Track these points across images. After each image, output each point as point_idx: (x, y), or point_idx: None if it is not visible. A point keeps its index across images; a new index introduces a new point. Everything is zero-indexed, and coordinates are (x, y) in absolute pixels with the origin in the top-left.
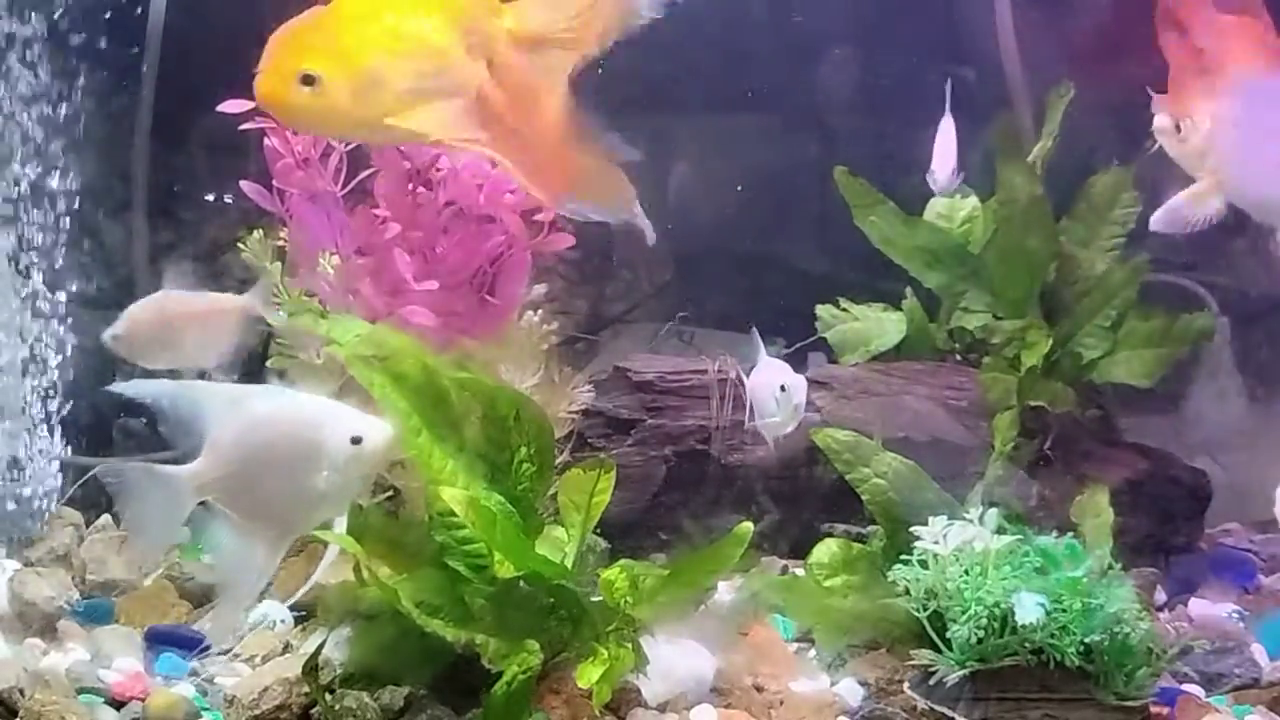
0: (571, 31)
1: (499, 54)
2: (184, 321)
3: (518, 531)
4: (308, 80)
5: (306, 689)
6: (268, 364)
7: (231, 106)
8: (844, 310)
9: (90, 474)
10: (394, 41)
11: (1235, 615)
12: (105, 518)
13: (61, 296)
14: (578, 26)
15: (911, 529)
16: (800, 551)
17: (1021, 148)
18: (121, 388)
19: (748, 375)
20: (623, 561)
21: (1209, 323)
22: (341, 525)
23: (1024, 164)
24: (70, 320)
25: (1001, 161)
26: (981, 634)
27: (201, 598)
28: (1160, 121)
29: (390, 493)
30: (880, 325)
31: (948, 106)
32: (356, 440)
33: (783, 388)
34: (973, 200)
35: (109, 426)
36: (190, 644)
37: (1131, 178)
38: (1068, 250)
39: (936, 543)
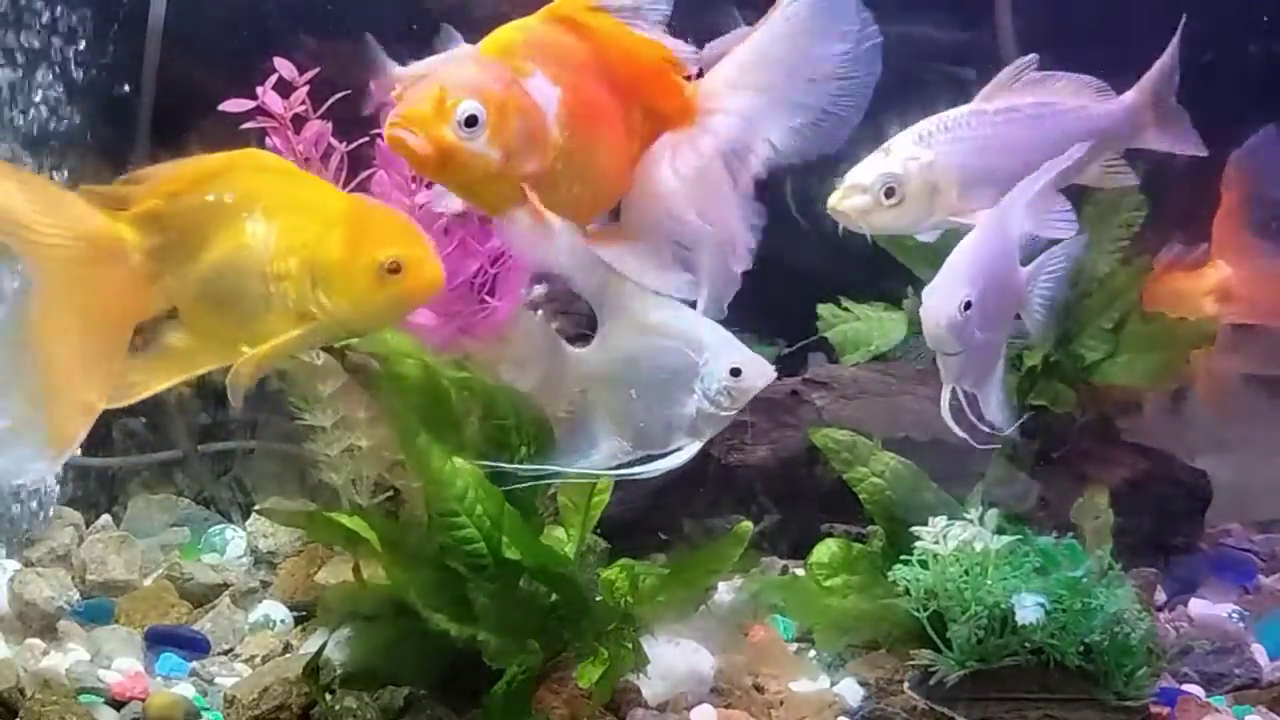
0: None
1: None
2: None
3: (522, 520)
4: None
5: (306, 689)
6: None
7: (233, 105)
8: (845, 310)
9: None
10: None
11: (1235, 615)
12: (105, 518)
13: None
14: None
15: (911, 529)
16: (800, 551)
17: None
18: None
19: None
20: (623, 561)
21: (1211, 327)
22: (685, 456)
23: None
24: None
25: None
26: (981, 634)
27: (201, 598)
28: None
29: (390, 493)
30: (881, 325)
31: None
32: (736, 372)
33: None
34: None
35: (109, 426)
36: (190, 644)
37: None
38: None
39: (936, 543)
